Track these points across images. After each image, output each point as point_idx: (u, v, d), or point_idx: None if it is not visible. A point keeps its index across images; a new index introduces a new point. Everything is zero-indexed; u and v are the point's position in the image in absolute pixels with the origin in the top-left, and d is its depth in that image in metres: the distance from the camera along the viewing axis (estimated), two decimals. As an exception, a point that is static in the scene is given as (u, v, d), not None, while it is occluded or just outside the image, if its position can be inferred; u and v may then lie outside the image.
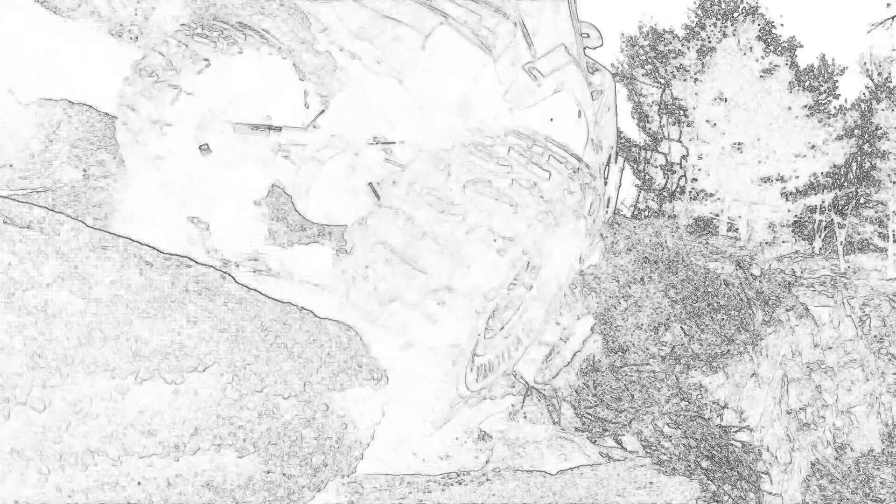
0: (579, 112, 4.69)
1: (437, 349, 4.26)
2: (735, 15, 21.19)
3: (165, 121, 4.90)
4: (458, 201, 4.08)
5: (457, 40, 3.82)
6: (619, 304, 10.16)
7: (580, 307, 7.32)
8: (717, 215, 20.40)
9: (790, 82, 19.93)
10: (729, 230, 20.38)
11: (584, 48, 5.09)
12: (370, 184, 4.73)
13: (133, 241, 5.54)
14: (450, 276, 4.03)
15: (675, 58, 21.30)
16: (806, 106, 19.87)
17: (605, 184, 6.14)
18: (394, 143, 4.55)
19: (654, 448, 8.38)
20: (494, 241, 4.00)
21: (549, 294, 5.57)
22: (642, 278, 10.66)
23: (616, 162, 6.36)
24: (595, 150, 5.41)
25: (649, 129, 23.13)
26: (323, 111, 4.91)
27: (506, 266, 4.15)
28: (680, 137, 20.05)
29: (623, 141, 22.73)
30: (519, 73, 4.24)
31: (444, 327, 4.17)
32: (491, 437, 7.31)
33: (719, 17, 21.13)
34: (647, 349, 9.97)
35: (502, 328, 5.27)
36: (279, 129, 4.85)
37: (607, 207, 6.47)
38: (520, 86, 4.27)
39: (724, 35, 20.31)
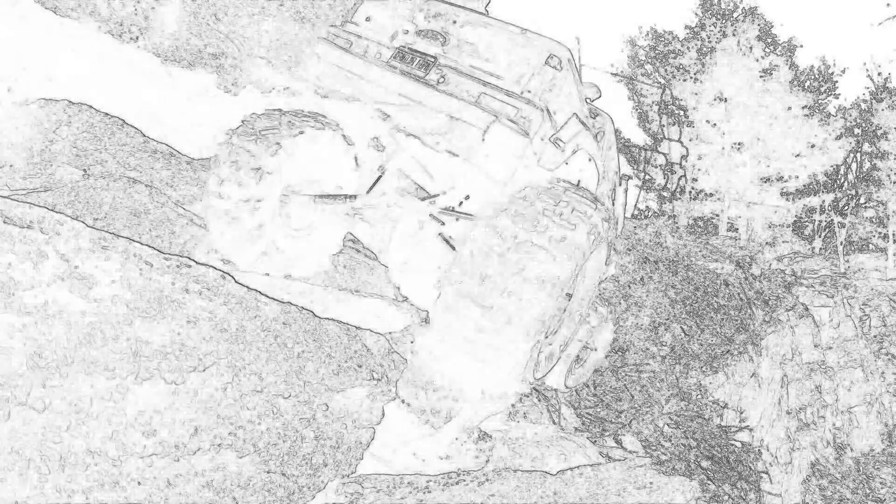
0: (589, 158, 6.13)
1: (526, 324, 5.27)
2: (735, 15, 21.21)
3: (256, 198, 5.59)
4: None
5: (506, 132, 5.13)
6: (620, 304, 10.16)
7: (598, 317, 7.78)
8: (717, 215, 20.40)
9: (790, 82, 19.92)
10: (729, 230, 20.38)
11: (586, 98, 6.23)
12: (440, 234, 5.70)
13: (133, 241, 5.54)
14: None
15: (675, 58, 21.32)
16: (806, 106, 19.86)
17: (613, 205, 7.43)
18: (437, 195, 5.56)
19: (654, 448, 8.38)
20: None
21: (575, 316, 6.81)
22: (642, 278, 10.66)
23: (620, 185, 7.59)
24: (602, 183, 6.72)
25: (649, 129, 23.16)
26: (380, 177, 5.76)
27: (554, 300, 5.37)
28: (680, 137, 20.04)
29: (623, 141, 22.73)
30: (547, 145, 5.53)
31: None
32: (491, 437, 7.31)
33: (719, 17, 21.15)
34: (647, 349, 9.97)
35: (546, 336, 6.15)
36: (354, 197, 5.75)
37: (616, 225, 7.81)
38: (549, 153, 5.59)
39: (724, 35, 20.31)
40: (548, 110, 5.35)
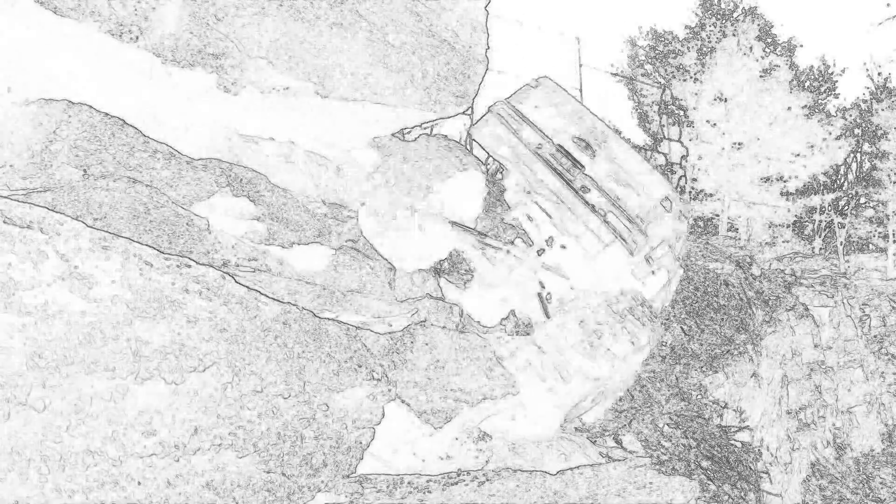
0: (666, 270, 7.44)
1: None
2: (735, 15, 21.23)
3: (414, 208, 6.69)
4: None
5: (620, 249, 6.70)
6: (619, 304, 10.15)
7: None
8: (717, 215, 20.40)
9: (790, 82, 19.92)
10: (729, 230, 20.38)
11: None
12: (539, 294, 6.78)
13: (133, 241, 5.54)
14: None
15: (675, 58, 21.34)
16: (806, 106, 19.86)
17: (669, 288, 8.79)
18: (544, 249, 6.84)
19: (654, 448, 8.39)
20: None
21: (610, 392, 8.29)
22: (642, 278, 10.66)
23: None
24: (666, 287, 8.06)
25: (649, 129, 23.17)
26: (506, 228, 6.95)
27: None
28: (680, 137, 20.05)
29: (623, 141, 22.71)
30: (641, 260, 6.90)
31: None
32: (491, 437, 7.31)
33: (719, 17, 21.17)
34: (647, 349, 9.96)
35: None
36: (485, 235, 6.67)
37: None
38: (641, 267, 6.96)
39: (724, 35, 20.32)
40: (647, 235, 6.91)
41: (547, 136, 6.52)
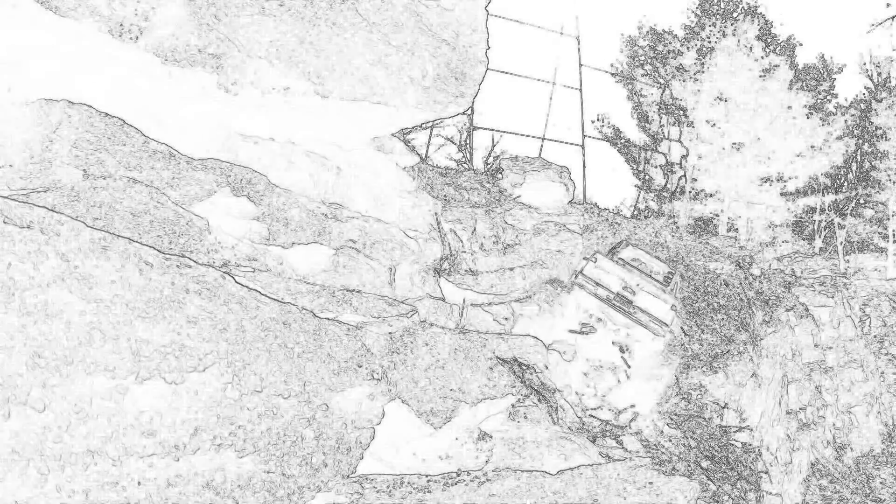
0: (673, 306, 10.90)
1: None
2: (734, 15, 21.23)
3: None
4: None
5: (660, 339, 10.20)
6: (619, 304, 10.16)
7: None
8: (717, 215, 20.40)
9: (790, 82, 19.92)
10: (729, 230, 20.37)
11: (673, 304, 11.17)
12: (622, 358, 9.97)
13: (133, 241, 5.54)
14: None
15: (674, 58, 21.33)
16: (806, 105, 19.86)
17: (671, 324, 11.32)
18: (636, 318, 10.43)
19: (654, 448, 8.39)
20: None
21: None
22: (642, 278, 10.65)
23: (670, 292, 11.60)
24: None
25: (649, 129, 23.17)
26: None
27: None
28: (680, 137, 20.05)
29: (623, 141, 22.74)
30: (668, 335, 10.65)
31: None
32: (491, 437, 7.31)
33: (719, 16, 21.17)
34: (647, 349, 9.95)
35: None
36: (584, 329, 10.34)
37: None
38: (668, 339, 10.81)
39: (724, 35, 20.32)
40: (668, 325, 10.52)
41: (612, 290, 10.33)
